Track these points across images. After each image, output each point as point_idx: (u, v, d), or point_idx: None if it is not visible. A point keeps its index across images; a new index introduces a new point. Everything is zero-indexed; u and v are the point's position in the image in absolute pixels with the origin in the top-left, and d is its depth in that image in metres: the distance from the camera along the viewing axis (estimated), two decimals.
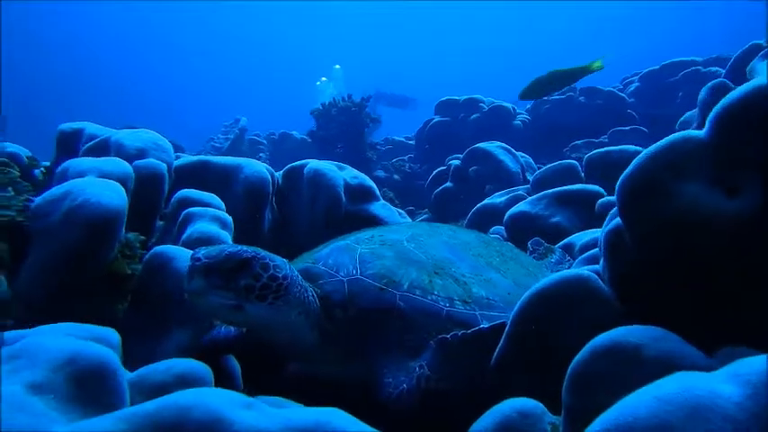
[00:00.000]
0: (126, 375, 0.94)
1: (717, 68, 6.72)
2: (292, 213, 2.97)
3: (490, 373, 1.26)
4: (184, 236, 1.86)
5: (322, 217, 2.79)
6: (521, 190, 3.36)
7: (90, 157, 1.90)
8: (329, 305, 1.48)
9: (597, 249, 1.83)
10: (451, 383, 1.30)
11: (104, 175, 1.76)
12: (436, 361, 1.32)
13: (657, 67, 7.51)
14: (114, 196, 1.59)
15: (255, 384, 1.69)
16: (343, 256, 1.56)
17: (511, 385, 1.22)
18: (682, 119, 3.22)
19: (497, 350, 1.24)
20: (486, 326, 1.30)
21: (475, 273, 1.57)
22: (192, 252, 1.42)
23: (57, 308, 1.57)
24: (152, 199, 2.09)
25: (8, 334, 1.00)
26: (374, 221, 2.75)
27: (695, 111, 3.11)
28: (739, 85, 2.47)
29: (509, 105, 7.07)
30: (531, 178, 4.96)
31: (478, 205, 3.43)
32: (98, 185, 1.60)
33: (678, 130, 2.95)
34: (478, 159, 4.89)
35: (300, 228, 2.93)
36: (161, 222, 2.28)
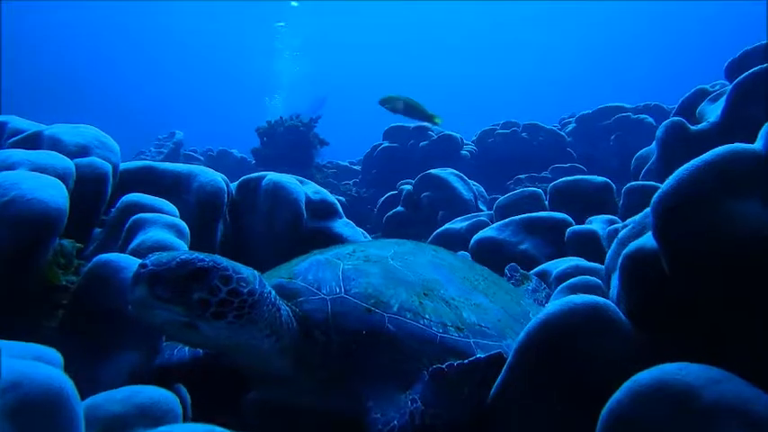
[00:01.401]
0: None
1: (645, 116, 7.26)
2: (246, 228, 2.75)
3: (488, 408, 1.15)
4: (133, 244, 1.62)
5: (281, 232, 2.60)
6: (482, 216, 3.34)
7: (21, 149, 1.63)
8: (309, 326, 1.31)
9: (579, 278, 1.80)
10: (447, 419, 1.16)
11: (39, 169, 1.50)
12: (430, 394, 1.18)
13: (591, 111, 8.00)
14: (55, 194, 1.35)
15: (209, 417, 1.47)
16: (325, 272, 1.40)
17: (513, 422, 1.11)
18: (638, 154, 3.37)
19: (498, 383, 1.13)
20: (482, 356, 1.19)
21: (464, 297, 1.46)
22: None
23: None
24: (92, 203, 1.83)
25: None
26: (337, 240, 2.59)
27: (652, 146, 3.25)
28: (693, 124, 2.58)
29: (457, 135, 7.21)
30: (483, 206, 5.02)
31: (439, 230, 3.37)
32: (34, 180, 1.36)
33: (635, 166, 3.07)
34: (431, 185, 4.88)
35: (255, 243, 2.71)
36: (98, 230, 2.01)
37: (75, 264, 1.56)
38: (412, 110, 5.94)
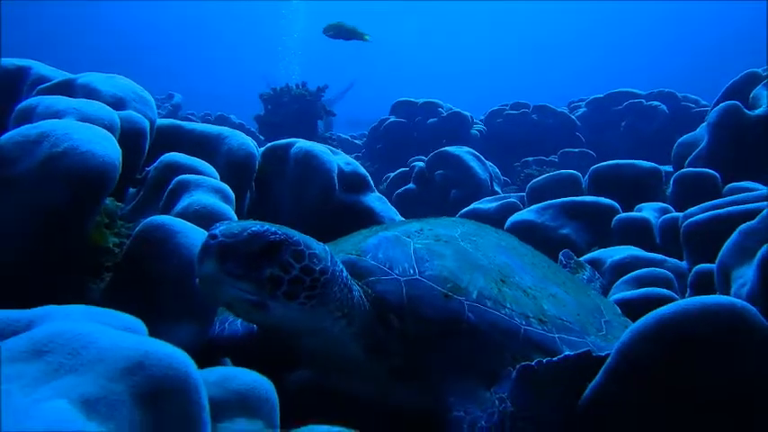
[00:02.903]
0: None
1: (658, 103, 7.18)
2: (272, 198, 2.63)
3: (580, 415, 1.07)
4: (179, 207, 1.51)
5: (310, 204, 2.49)
6: (512, 197, 3.26)
7: (65, 96, 1.49)
8: (383, 309, 1.22)
9: (648, 270, 1.74)
10: (538, 424, 1.08)
11: (87, 119, 1.38)
12: (519, 393, 1.09)
13: (602, 95, 7.89)
14: (109, 147, 1.23)
15: None
16: (395, 250, 1.31)
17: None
18: (681, 140, 3.28)
19: (593, 388, 1.05)
20: (571, 354, 1.11)
21: (539, 286, 1.37)
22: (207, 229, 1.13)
23: (12, 280, 1.19)
24: (130, 160, 1.70)
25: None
26: (368, 215, 2.50)
27: (697, 132, 3.18)
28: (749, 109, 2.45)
29: (467, 113, 7.08)
30: (497, 187, 4.94)
31: (465, 210, 3.29)
32: (86, 131, 1.24)
33: (677, 153, 2.98)
34: (445, 163, 4.78)
35: (280, 215, 2.60)
36: (131, 190, 1.89)
37: (120, 224, 1.45)
38: (346, 31, 6.45)
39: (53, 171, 1.14)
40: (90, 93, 1.72)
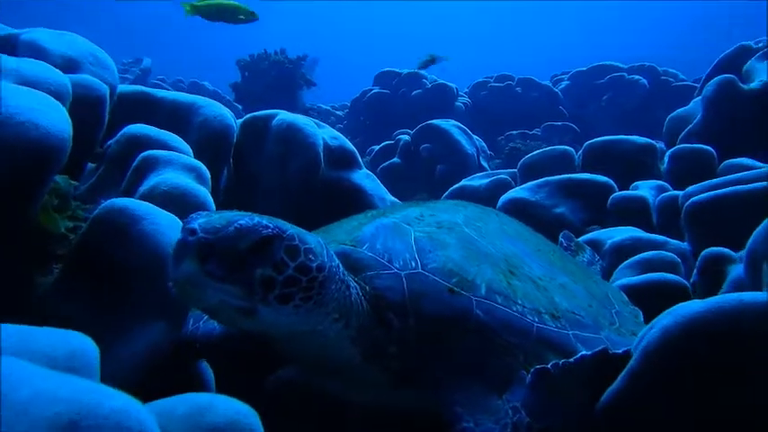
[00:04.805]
0: None
1: (639, 77, 7.09)
2: (251, 175, 2.44)
3: (600, 421, 0.96)
4: (145, 187, 1.32)
5: (293, 182, 2.31)
6: (503, 174, 3.13)
7: (1, 54, 1.27)
8: (382, 308, 1.07)
9: (655, 253, 1.63)
10: None
11: (27, 83, 1.17)
12: (535, 401, 0.96)
13: (585, 68, 7.75)
14: (55, 116, 1.03)
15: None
16: (395, 240, 1.15)
17: None
18: (673, 115, 3.18)
19: (615, 391, 0.93)
20: (587, 353, 0.98)
21: (548, 276, 1.23)
22: (181, 219, 0.96)
23: None
24: (86, 132, 1.49)
25: None
26: (357, 194, 2.33)
27: (690, 106, 3.08)
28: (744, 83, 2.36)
29: (452, 85, 6.88)
30: (484, 162, 4.81)
31: (454, 187, 3.14)
32: (26, 97, 1.03)
33: (670, 128, 2.87)
34: (432, 137, 4.61)
35: (261, 194, 2.42)
36: (90, 165, 1.69)
37: (73, 206, 1.26)
38: (219, 13, 4.88)
39: None
40: (36, 52, 1.49)
